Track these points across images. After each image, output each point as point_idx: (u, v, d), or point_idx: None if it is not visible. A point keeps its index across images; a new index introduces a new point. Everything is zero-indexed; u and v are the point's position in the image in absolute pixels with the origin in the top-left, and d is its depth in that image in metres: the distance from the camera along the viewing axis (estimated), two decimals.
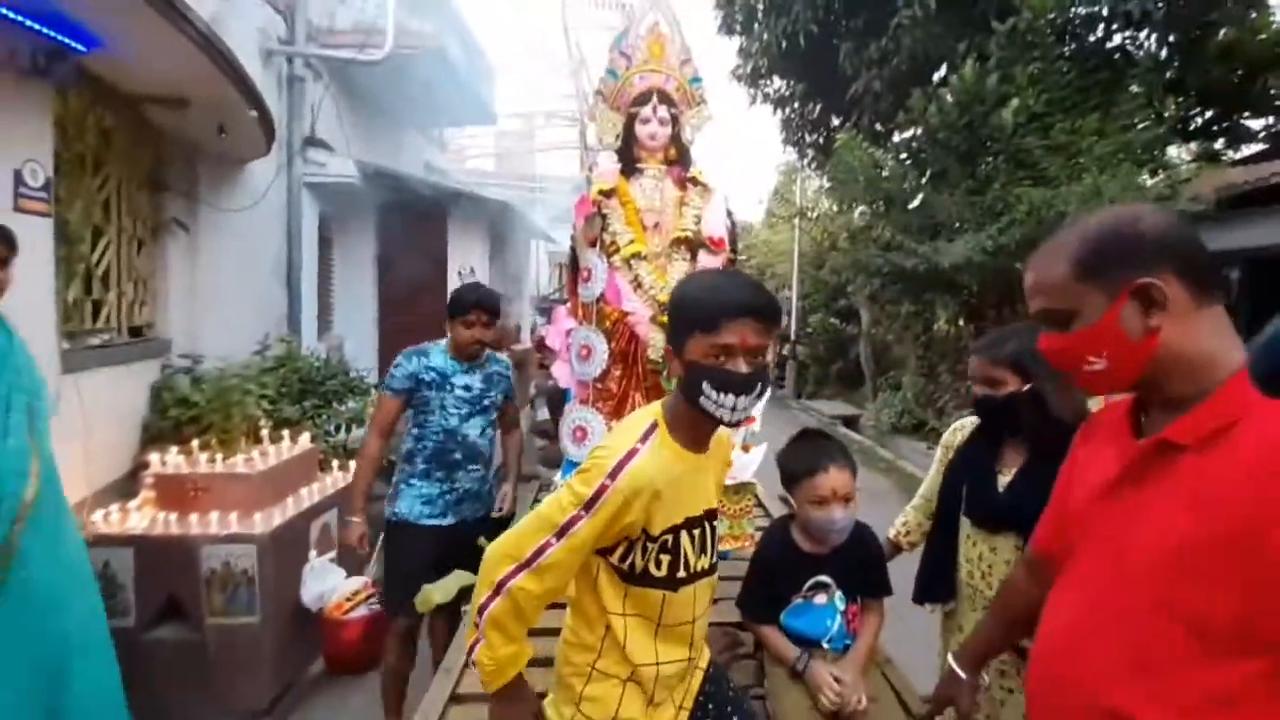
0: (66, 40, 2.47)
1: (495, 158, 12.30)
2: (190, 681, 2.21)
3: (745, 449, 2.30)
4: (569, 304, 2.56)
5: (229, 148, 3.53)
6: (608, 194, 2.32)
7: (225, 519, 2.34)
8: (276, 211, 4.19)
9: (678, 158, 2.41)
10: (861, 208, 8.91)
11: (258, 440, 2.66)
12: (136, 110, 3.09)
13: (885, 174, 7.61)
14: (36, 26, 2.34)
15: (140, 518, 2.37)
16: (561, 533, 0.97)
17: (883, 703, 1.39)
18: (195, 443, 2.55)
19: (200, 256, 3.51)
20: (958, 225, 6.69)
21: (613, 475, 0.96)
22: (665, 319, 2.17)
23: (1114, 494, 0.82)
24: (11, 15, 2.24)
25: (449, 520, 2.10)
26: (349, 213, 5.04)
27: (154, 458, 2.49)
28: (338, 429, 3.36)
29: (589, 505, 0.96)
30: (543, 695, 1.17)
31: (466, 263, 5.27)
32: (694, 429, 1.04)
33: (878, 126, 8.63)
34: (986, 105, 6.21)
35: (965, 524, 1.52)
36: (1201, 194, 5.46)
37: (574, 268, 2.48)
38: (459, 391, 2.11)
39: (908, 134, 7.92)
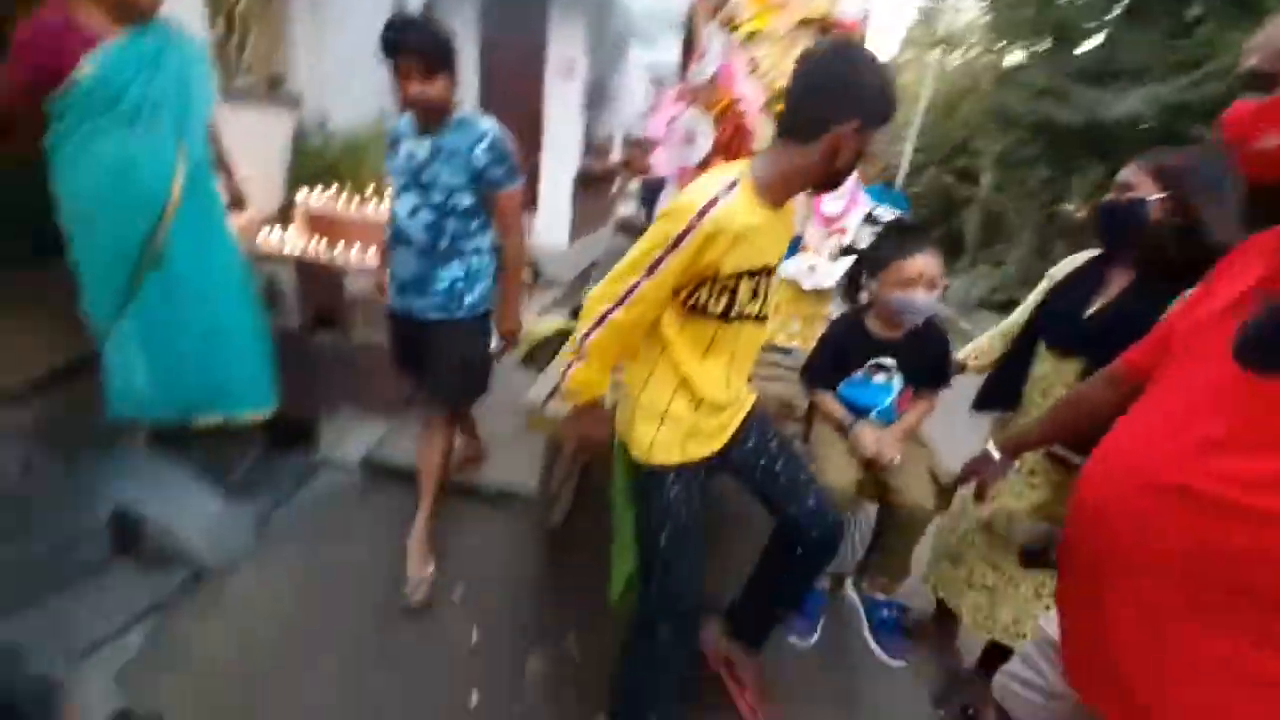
0: None
1: None
2: (345, 379, 2.77)
3: (832, 257, 2.36)
4: (677, 88, 2.50)
5: None
6: None
7: (364, 254, 2.72)
8: None
9: None
10: (1022, 43, 7.48)
11: (380, 192, 2.96)
12: None
13: (1063, 2, 6.24)
14: None
15: (297, 241, 2.79)
16: (651, 270, 1.09)
17: (912, 470, 1.56)
18: (331, 189, 2.87)
19: (321, 13, 3.55)
20: (1140, 73, 5.56)
21: (700, 215, 1.05)
22: (780, 107, 2.13)
23: (1234, 310, 0.76)
24: None
25: (398, 305, 1.84)
26: None
27: (302, 194, 2.85)
28: None
29: (676, 242, 1.06)
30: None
31: (566, 56, 5.03)
32: (779, 189, 1.12)
33: None
34: None
35: (1042, 344, 1.53)
36: None
37: (687, 45, 2.38)
38: (400, 160, 1.71)
39: None
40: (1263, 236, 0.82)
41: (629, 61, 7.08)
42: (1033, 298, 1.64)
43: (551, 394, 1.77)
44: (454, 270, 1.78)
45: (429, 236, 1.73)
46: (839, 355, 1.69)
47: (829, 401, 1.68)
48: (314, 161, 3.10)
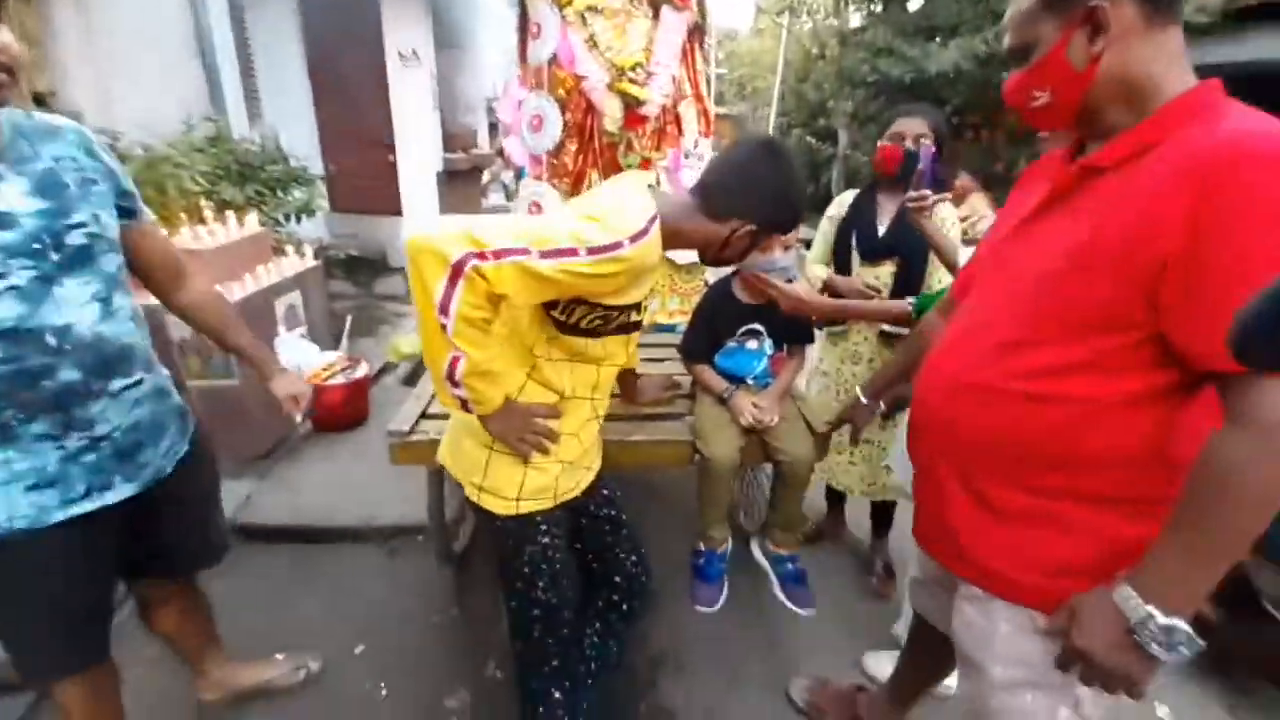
0: None
1: None
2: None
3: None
4: (519, 72, 2.38)
5: None
6: None
7: None
8: None
9: None
10: (859, 5, 7.99)
11: (201, 220, 2.58)
12: None
13: None
14: None
15: None
16: (547, 255, 0.89)
17: (789, 426, 1.66)
18: None
19: (91, 17, 3.00)
20: (954, 29, 6.13)
21: (632, 240, 0.94)
22: (624, 86, 2.08)
23: (1027, 223, 0.86)
24: None
25: (119, 493, 1.08)
26: None
27: None
28: (287, 219, 3.25)
29: (594, 251, 0.91)
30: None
31: (407, 43, 4.65)
32: (672, 241, 1.04)
33: None
34: None
35: (856, 260, 1.82)
36: (1209, 5, 5.06)
37: (523, 23, 2.26)
38: None
39: None
40: (1044, 158, 0.96)
41: (481, 44, 6.73)
42: (825, 228, 1.92)
43: (420, 418, 1.63)
44: (159, 372, 1.17)
45: (137, 328, 1.10)
46: (711, 327, 1.74)
47: (706, 374, 1.73)
48: None
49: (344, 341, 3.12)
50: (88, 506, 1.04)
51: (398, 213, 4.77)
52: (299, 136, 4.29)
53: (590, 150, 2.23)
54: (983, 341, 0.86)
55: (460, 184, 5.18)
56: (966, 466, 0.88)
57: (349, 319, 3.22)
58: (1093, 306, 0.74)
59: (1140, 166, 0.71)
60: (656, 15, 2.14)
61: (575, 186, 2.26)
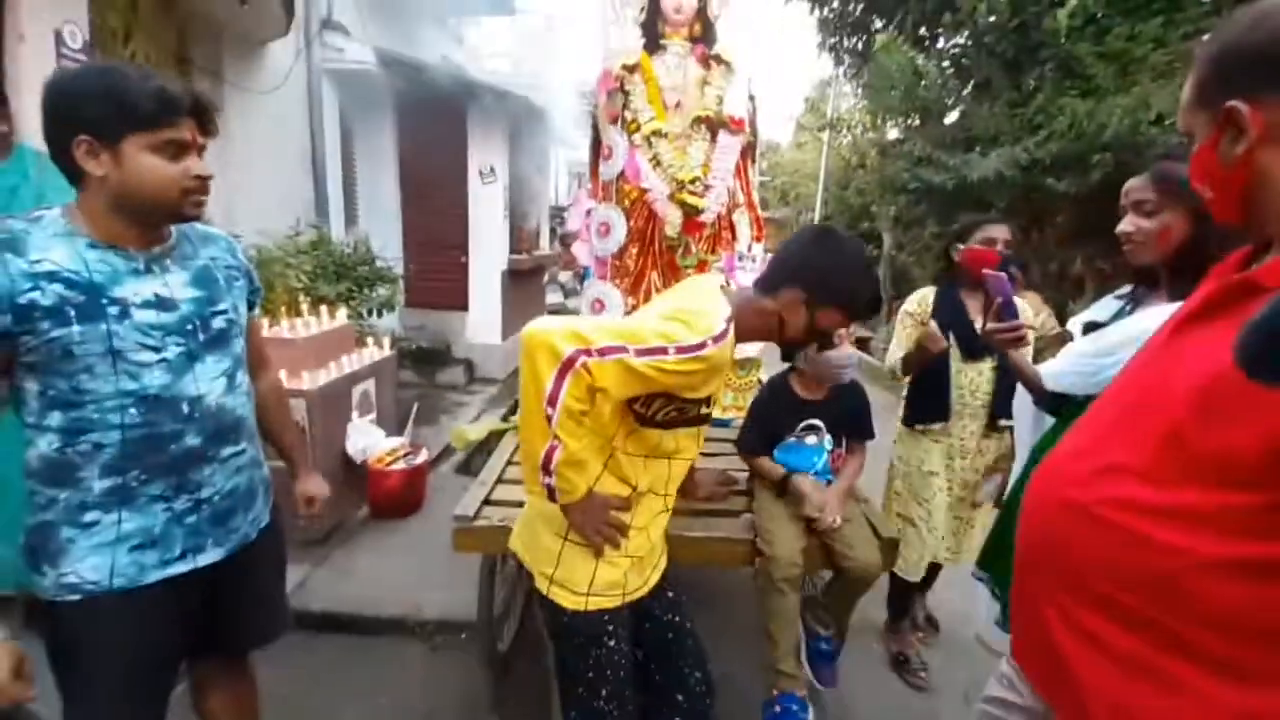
0: None
1: (512, 59, 11.72)
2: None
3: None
4: (590, 186, 2.63)
5: (250, 25, 3.50)
6: (631, 69, 2.33)
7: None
8: (299, 97, 4.19)
9: (702, 34, 2.39)
10: (896, 121, 8.51)
11: (299, 313, 2.86)
12: None
13: (924, 83, 7.22)
14: None
15: None
16: (642, 353, 0.96)
17: (856, 530, 1.59)
18: None
19: (228, 137, 3.58)
20: (993, 140, 6.40)
21: (715, 340, 1.00)
22: (683, 196, 2.27)
23: (1176, 331, 0.77)
24: None
25: (207, 557, 1.14)
26: (369, 102, 5.00)
27: None
28: (370, 313, 3.56)
29: (681, 350, 0.97)
30: None
31: (486, 161, 5.25)
32: (743, 334, 1.11)
33: (922, 31, 8.07)
34: (1041, 5, 5.76)
35: (955, 357, 1.88)
36: None
37: (595, 146, 2.53)
38: (144, 314, 1.03)
39: (952, 41, 7.42)
40: (1221, 265, 0.83)
41: (551, 160, 7.49)
42: (907, 324, 2.01)
43: (483, 504, 1.66)
44: (256, 445, 1.27)
45: (250, 407, 1.22)
46: (769, 421, 1.74)
47: (765, 462, 1.71)
48: None
49: (409, 428, 3.27)
50: (182, 568, 1.10)
51: (464, 308, 5.15)
52: (386, 240, 4.80)
53: (651, 253, 2.40)
54: (1094, 458, 0.79)
55: (523, 282, 5.56)
56: (1064, 588, 0.80)
57: (415, 407, 3.39)
58: (1216, 453, 0.64)
59: None
60: (714, 137, 2.36)
61: (635, 285, 2.41)
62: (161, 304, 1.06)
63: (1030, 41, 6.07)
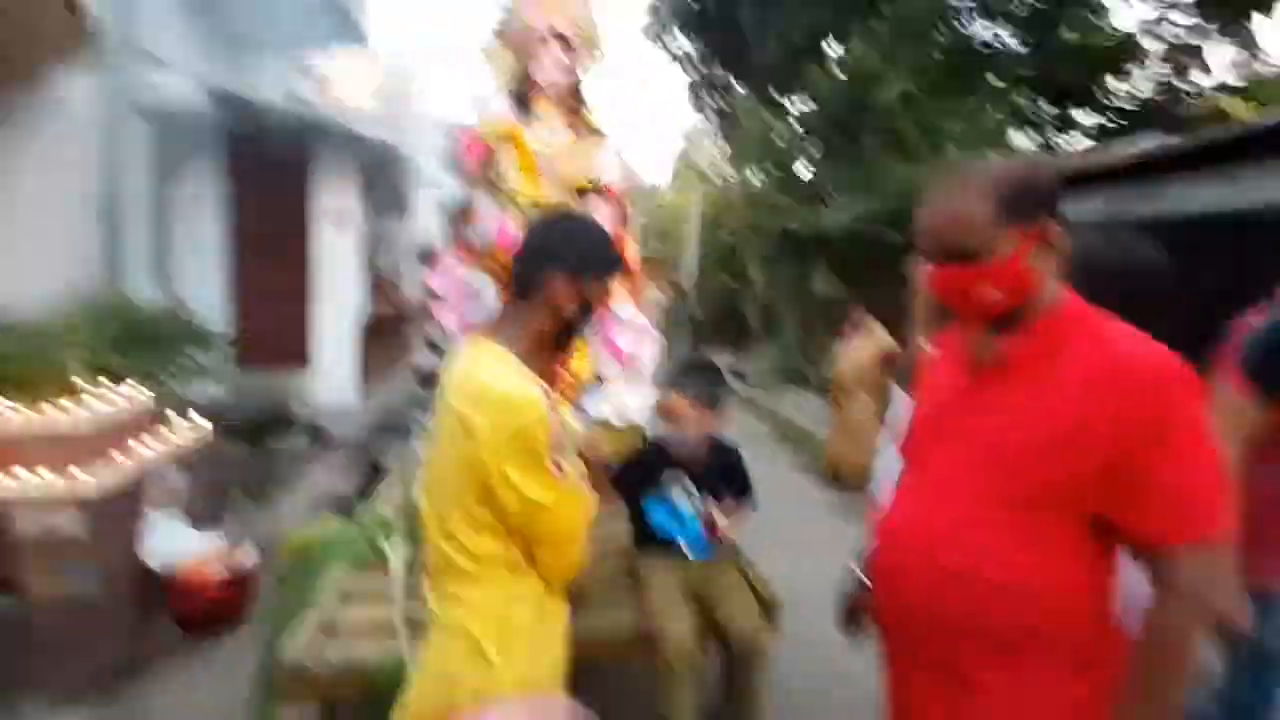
0: None
1: (373, 97, 11.23)
2: (19, 658, 2.00)
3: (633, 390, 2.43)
4: (456, 247, 2.51)
5: (30, 52, 2.92)
6: (501, 137, 2.29)
7: (44, 480, 2.08)
8: (92, 135, 3.57)
9: (573, 103, 2.40)
10: (757, 172, 9.29)
11: (74, 395, 2.36)
12: None
13: (779, 143, 8.00)
14: None
15: None
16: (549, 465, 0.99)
17: (737, 597, 1.61)
18: (2, 399, 2.21)
19: None
20: (838, 195, 7.20)
21: (540, 419, 0.98)
22: None
23: (962, 402, 0.95)
24: None
25: None
26: (193, 144, 4.41)
27: None
28: (184, 381, 3.04)
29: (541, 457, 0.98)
30: None
31: (336, 206, 4.84)
32: (534, 358, 1.05)
33: (775, 96, 8.97)
34: (869, 83, 6.65)
35: None
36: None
37: (462, 209, 2.43)
38: None
39: (802, 105, 8.34)
40: (947, 336, 1.06)
41: (416, 202, 7.13)
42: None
43: (324, 637, 1.40)
44: None
45: None
46: (642, 466, 1.73)
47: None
48: None
49: (228, 521, 2.79)
50: None
51: (304, 364, 4.61)
52: (207, 294, 4.18)
53: None
54: (945, 517, 0.91)
55: (384, 335, 5.14)
56: (947, 648, 0.90)
57: (229, 493, 2.92)
58: (1042, 486, 0.84)
59: (1054, 366, 0.86)
60: (587, 205, 2.36)
61: None
62: None
63: (862, 112, 6.96)
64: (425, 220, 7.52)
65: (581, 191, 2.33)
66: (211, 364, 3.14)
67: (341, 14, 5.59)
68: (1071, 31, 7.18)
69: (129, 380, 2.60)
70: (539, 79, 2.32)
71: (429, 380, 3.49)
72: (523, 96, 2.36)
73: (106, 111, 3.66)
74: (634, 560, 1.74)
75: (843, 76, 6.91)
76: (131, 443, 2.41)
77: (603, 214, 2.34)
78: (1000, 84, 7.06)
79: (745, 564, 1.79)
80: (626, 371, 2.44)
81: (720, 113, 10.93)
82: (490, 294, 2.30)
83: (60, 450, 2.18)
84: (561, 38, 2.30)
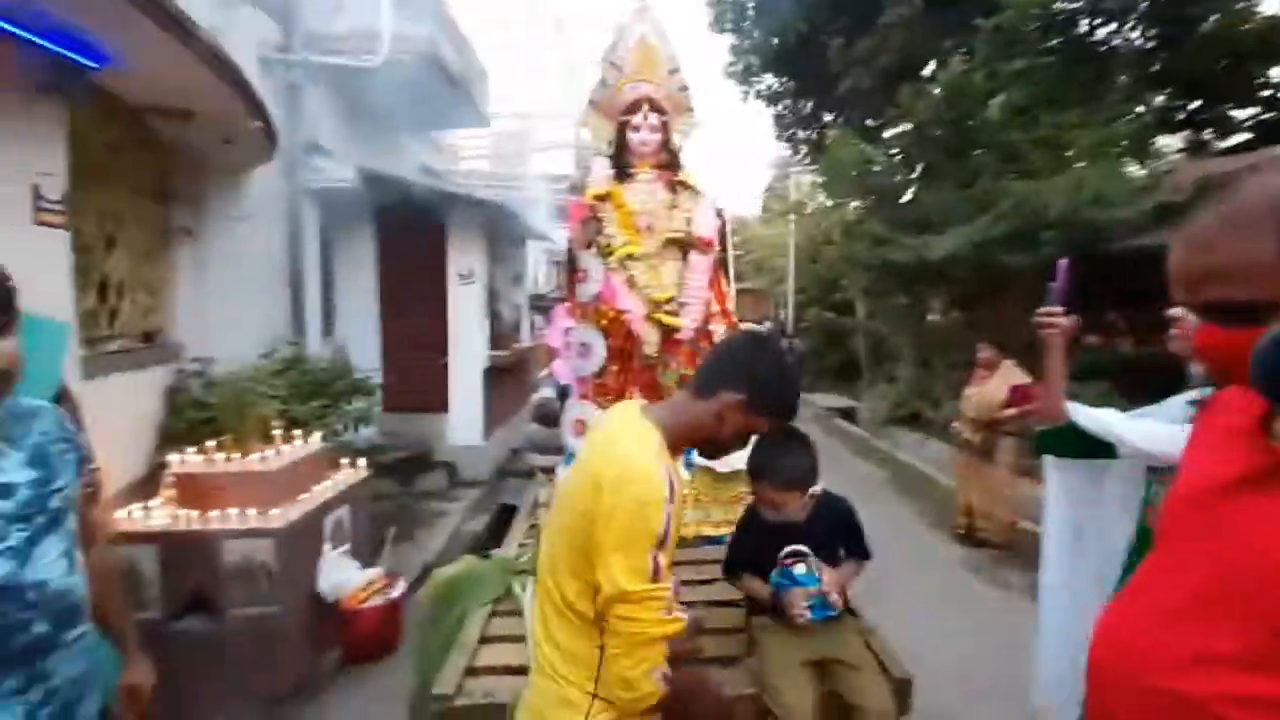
0: (78, 57, 2.56)
1: (490, 159, 12.37)
2: (220, 674, 2.32)
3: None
4: (567, 304, 2.67)
5: (234, 157, 3.62)
6: (602, 198, 2.44)
7: (244, 515, 2.45)
8: (280, 217, 4.29)
9: (668, 162, 2.52)
10: (854, 203, 9.04)
11: (270, 440, 2.76)
12: (142, 122, 3.18)
13: (875, 169, 7.76)
14: (49, 45, 2.44)
15: (162, 515, 2.48)
16: (655, 575, 1.01)
17: (867, 673, 1.47)
18: (212, 443, 2.65)
19: (207, 263, 3.61)
20: (946, 220, 6.81)
21: (669, 500, 1.02)
22: (659, 316, 2.31)
23: (1234, 494, 0.73)
24: (26, 34, 2.33)
25: None
26: (349, 217, 5.14)
27: (173, 458, 2.60)
28: (345, 428, 3.47)
29: (662, 540, 1.01)
30: None
31: (465, 264, 5.37)
32: (678, 441, 1.14)
33: (868, 122, 8.77)
34: (973, 101, 6.33)
35: None
36: (1181, 184, 5.57)
37: (571, 269, 2.59)
38: None
39: (898, 130, 8.06)
40: (1221, 402, 0.79)
41: (528, 255, 7.70)
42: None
43: (464, 675, 1.52)
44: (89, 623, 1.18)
45: (73, 582, 1.11)
46: (752, 548, 1.64)
47: (752, 583, 1.60)
48: (193, 413, 2.90)
49: (385, 555, 3.10)
50: None
51: (444, 409, 5.08)
52: (365, 348, 4.78)
53: (631, 370, 2.41)
54: (1184, 640, 0.73)
55: (505, 378, 5.54)
56: None
57: (391, 531, 3.24)
58: None
59: None
60: (685, 257, 2.45)
61: (617, 403, 2.39)
62: (4, 491, 1.02)
63: (967, 131, 6.61)
64: (536, 270, 8.07)
65: (678, 244, 2.41)
66: (369, 410, 3.55)
67: (465, 97, 6.31)
68: (1208, 20, 6.40)
69: (308, 427, 3.00)
70: (633, 142, 2.43)
71: (547, 420, 3.68)
72: (620, 159, 2.46)
73: (286, 196, 4.38)
74: (748, 622, 1.67)
75: (941, 96, 6.62)
76: (311, 483, 2.76)
77: (700, 266, 2.41)
78: (1126, 85, 6.40)
79: (868, 631, 1.66)
80: None
81: (810, 144, 10.85)
82: (600, 347, 2.40)
83: (258, 489, 2.55)
84: (653, 101, 2.43)
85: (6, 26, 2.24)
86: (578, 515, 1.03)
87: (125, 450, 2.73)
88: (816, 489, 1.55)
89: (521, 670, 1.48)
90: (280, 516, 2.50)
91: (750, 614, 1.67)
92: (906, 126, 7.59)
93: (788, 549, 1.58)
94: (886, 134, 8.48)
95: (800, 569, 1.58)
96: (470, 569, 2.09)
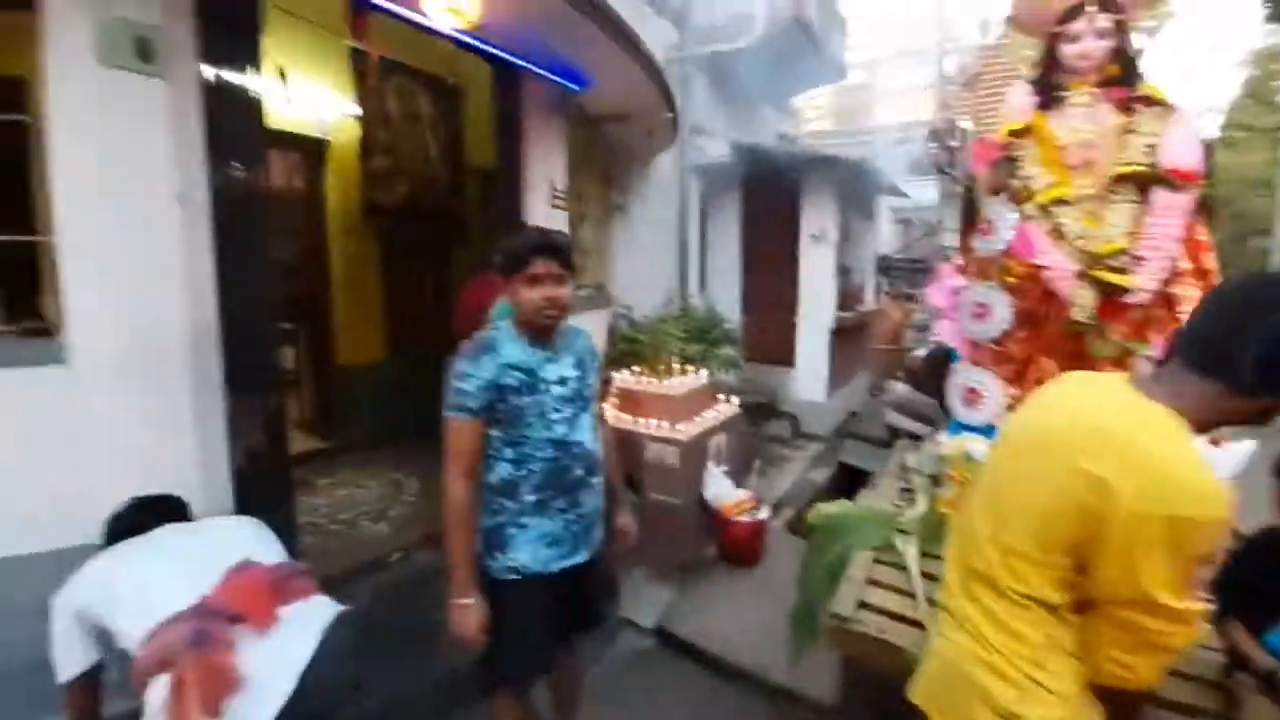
0: (572, 85, 3.60)
1: (834, 115, 11.97)
2: (639, 540, 3.15)
3: (1215, 443, 1.88)
4: (958, 260, 2.51)
5: (649, 145, 4.54)
6: (1020, 133, 2.13)
7: (660, 425, 3.20)
8: (673, 192, 5.20)
9: (1121, 75, 2.03)
10: None
11: (670, 371, 3.50)
12: (597, 127, 4.26)
13: None
14: (555, 78, 3.49)
15: (611, 415, 3.44)
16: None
17: None
18: (636, 369, 3.52)
19: (630, 231, 4.68)
20: None
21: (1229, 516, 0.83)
22: (1100, 273, 1.95)
23: None
24: (542, 71, 3.37)
25: (579, 558, 1.60)
26: (721, 187, 5.83)
27: (616, 375, 3.55)
28: (718, 368, 4.11)
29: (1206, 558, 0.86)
30: None
31: (818, 224, 5.50)
32: (1202, 427, 0.88)
33: None
34: None
35: None
36: None
37: (967, 220, 2.41)
38: (556, 388, 1.53)
39: None
40: None
41: (877, 214, 7.32)
42: None
43: (859, 607, 1.65)
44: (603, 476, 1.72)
45: (597, 446, 1.65)
46: (1266, 576, 1.30)
47: (1247, 641, 1.26)
48: (624, 345, 3.90)
49: (753, 479, 3.60)
50: (568, 563, 1.57)
51: (791, 364, 5.44)
52: (729, 303, 5.48)
53: (1044, 338, 2.13)
54: None
55: (848, 339, 5.55)
56: None
57: (758, 462, 3.73)
58: None
59: None
60: (1144, 195, 1.98)
61: (1020, 374, 2.16)
62: (562, 381, 1.56)
63: None
64: (885, 229, 7.64)
65: (1135, 180, 1.91)
66: (736, 357, 4.11)
67: (826, 57, 6.27)
68: None
69: (696, 365, 3.67)
70: (1069, 57, 1.98)
71: (918, 385, 3.55)
72: (1049, 81, 2.05)
73: (678, 173, 5.24)
74: (1227, 675, 1.31)
75: None
76: (702, 409, 3.40)
77: (1171, 206, 1.87)
78: None
79: None
80: None
81: None
82: (1003, 310, 2.13)
83: (667, 407, 3.28)
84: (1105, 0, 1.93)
85: (533, 69, 3.31)
86: (1062, 511, 0.87)
87: None
88: None
89: (904, 619, 1.57)
90: (684, 431, 3.18)
91: (1234, 667, 1.31)
92: None
93: None
94: None
95: None
96: (849, 512, 2.27)
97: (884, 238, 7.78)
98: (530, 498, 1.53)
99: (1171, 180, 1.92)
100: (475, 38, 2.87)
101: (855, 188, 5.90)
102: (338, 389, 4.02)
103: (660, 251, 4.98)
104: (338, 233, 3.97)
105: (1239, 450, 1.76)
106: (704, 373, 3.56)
